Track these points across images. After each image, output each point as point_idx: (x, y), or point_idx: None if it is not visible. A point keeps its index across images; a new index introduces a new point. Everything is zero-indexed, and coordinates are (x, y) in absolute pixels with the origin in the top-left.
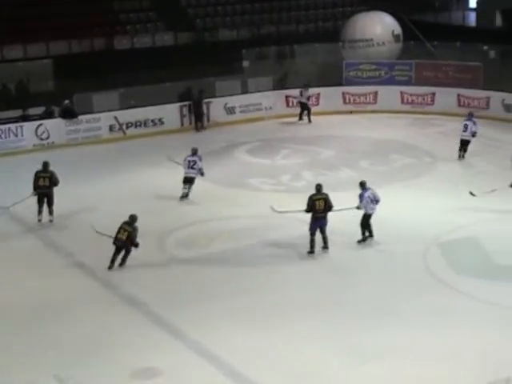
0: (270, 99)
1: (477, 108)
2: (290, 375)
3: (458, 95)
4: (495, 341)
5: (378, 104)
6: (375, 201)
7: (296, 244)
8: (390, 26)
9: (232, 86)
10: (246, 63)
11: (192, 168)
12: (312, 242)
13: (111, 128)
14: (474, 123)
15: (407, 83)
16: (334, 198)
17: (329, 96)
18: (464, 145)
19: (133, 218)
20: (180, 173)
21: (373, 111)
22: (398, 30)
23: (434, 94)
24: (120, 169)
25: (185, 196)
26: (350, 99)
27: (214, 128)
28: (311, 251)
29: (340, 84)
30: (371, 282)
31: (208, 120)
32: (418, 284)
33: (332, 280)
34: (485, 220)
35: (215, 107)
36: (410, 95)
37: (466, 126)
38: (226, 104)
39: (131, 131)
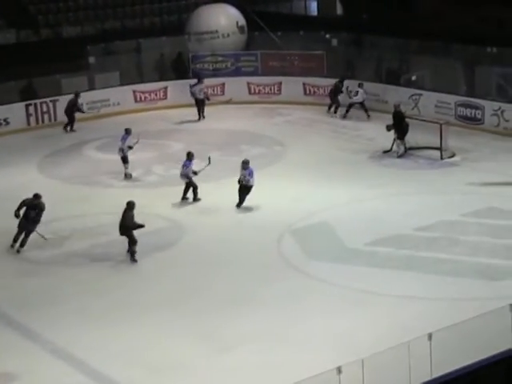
0: (118, 95)
1: (322, 96)
2: (153, 369)
3: (304, 84)
4: (349, 324)
5: (226, 95)
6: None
7: (151, 238)
8: (234, 18)
9: (78, 82)
10: (91, 59)
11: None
12: None
13: None
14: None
15: (254, 74)
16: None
17: (177, 89)
18: (351, 106)
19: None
20: (28, 174)
21: (221, 102)
22: (242, 21)
23: (280, 83)
24: None
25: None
26: None
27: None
28: None
29: (187, 77)
30: (226, 271)
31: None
32: (273, 271)
33: (188, 271)
34: (334, 205)
35: (62, 105)
36: (257, 85)
37: (356, 92)
38: None
39: None
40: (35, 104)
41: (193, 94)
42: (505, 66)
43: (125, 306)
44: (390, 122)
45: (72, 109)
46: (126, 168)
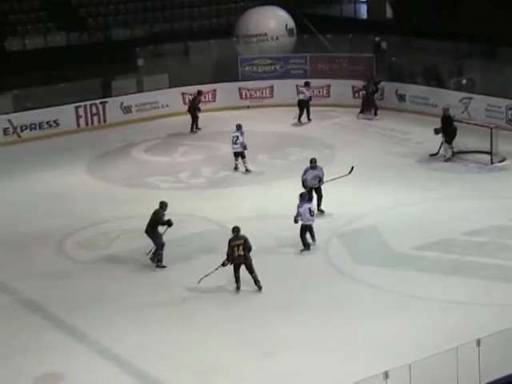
0: (167, 97)
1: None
2: (198, 371)
3: (353, 86)
4: (394, 328)
5: (275, 98)
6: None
7: (197, 241)
8: (283, 20)
9: (127, 84)
10: (140, 62)
11: (235, 143)
12: (237, 278)
13: (5, 131)
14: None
15: (302, 76)
16: (232, 192)
17: (225, 92)
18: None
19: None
20: (77, 175)
21: (270, 105)
22: (291, 23)
23: (329, 86)
24: (16, 172)
25: (235, 168)
26: (246, 94)
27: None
28: (237, 286)
29: (236, 79)
30: (272, 274)
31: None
32: (319, 276)
33: (233, 274)
34: (382, 208)
35: (111, 107)
36: None
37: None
38: (122, 103)
39: (26, 134)
40: (85, 106)
41: (305, 95)
42: None
43: (170, 308)
44: (439, 125)
45: (196, 107)
46: (246, 162)
